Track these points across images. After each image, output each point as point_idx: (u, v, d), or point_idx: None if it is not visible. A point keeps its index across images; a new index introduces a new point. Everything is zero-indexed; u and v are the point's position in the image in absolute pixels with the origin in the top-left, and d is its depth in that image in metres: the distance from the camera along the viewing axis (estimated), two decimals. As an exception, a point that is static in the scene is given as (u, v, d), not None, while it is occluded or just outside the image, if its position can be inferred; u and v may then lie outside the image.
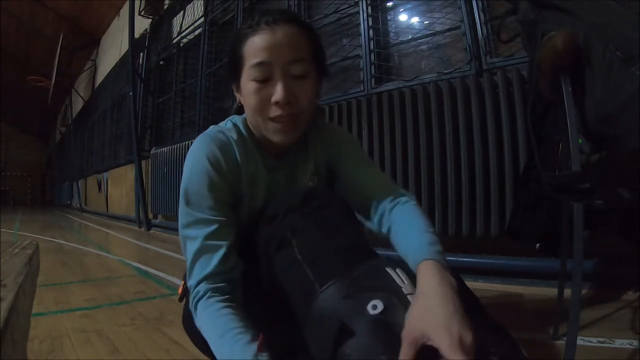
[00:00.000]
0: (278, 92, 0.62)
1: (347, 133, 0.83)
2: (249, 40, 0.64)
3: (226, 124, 0.72)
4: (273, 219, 0.62)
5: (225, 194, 0.65)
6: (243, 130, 0.71)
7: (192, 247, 0.61)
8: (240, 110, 0.75)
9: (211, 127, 0.71)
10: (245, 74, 0.65)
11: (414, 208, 0.66)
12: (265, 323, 0.56)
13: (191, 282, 0.61)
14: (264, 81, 0.63)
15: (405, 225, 0.63)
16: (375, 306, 0.46)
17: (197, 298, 0.59)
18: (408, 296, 0.48)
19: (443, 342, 0.42)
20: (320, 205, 0.61)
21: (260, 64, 0.62)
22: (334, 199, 0.64)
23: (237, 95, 0.71)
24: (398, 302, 0.47)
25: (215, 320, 0.56)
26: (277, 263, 0.59)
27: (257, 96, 0.63)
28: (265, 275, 0.62)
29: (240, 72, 0.66)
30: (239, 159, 0.67)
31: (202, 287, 0.59)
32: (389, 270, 0.52)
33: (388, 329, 0.44)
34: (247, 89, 0.64)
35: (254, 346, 0.50)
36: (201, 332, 0.58)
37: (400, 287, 0.48)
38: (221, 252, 0.60)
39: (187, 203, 0.63)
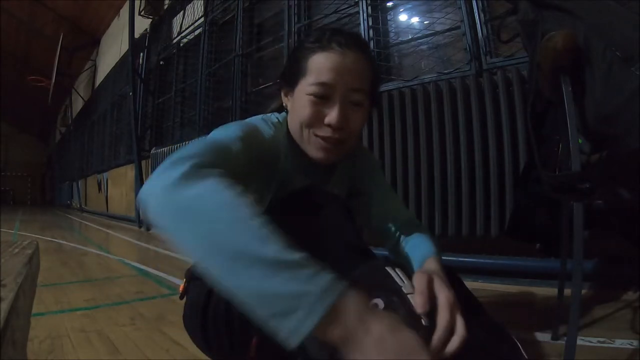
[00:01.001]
0: (333, 115, 0.62)
1: (369, 151, 0.86)
2: (316, 56, 0.64)
3: (271, 117, 0.71)
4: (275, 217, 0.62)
5: (252, 158, 0.59)
6: (284, 129, 0.71)
7: (198, 141, 0.51)
8: (278, 110, 0.77)
9: (260, 115, 0.71)
10: (303, 87, 0.64)
11: (426, 234, 0.73)
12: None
13: (175, 157, 0.44)
14: (322, 99, 0.63)
15: (415, 241, 0.71)
16: (376, 305, 0.47)
17: (188, 167, 0.42)
18: (408, 296, 0.48)
19: (443, 293, 0.49)
20: (320, 205, 0.60)
21: (323, 84, 0.62)
22: (333, 200, 0.64)
23: (284, 99, 0.72)
24: (398, 301, 0.47)
25: (233, 199, 0.40)
26: None
27: (311, 111, 0.64)
28: None
29: (297, 83, 0.66)
30: (279, 153, 0.68)
31: (196, 161, 0.44)
32: (389, 269, 0.52)
33: None
34: (302, 101, 0.65)
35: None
36: (190, 198, 0.40)
37: (400, 287, 0.49)
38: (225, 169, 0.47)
39: (217, 131, 0.58)
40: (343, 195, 0.80)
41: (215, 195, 0.41)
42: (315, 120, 0.64)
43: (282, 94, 0.72)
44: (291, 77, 0.68)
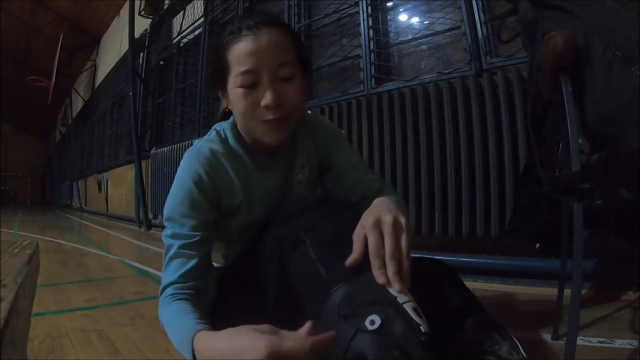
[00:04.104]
0: (268, 96, 0.63)
1: (330, 124, 0.85)
2: (233, 47, 0.64)
3: (210, 135, 0.73)
4: (287, 219, 0.64)
5: (208, 214, 0.67)
6: (229, 137, 0.72)
7: (168, 254, 0.65)
8: (225, 115, 0.77)
9: (196, 142, 0.73)
10: (232, 82, 0.65)
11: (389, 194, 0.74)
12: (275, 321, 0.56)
13: (161, 285, 0.65)
14: (252, 87, 0.64)
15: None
16: (372, 321, 0.48)
17: (162, 299, 0.63)
18: (404, 305, 0.48)
19: (386, 218, 0.53)
20: (333, 209, 0.63)
21: (247, 72, 0.63)
22: (345, 204, 0.66)
23: (223, 100, 0.72)
24: (394, 313, 0.48)
25: (175, 306, 0.60)
26: (292, 262, 0.60)
27: (246, 101, 0.64)
28: (277, 273, 0.63)
29: (226, 80, 0.67)
30: (228, 169, 0.69)
31: (169, 290, 0.63)
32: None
33: (385, 343, 0.46)
34: (235, 95, 0.65)
35: (197, 320, 0.55)
36: (164, 328, 0.61)
37: (395, 297, 0.49)
38: (193, 262, 0.64)
39: (169, 219, 0.67)
40: (315, 175, 0.81)
41: (166, 320, 0.61)
42: (254, 107, 0.65)
43: (220, 96, 0.72)
44: (219, 76, 0.68)
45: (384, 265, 0.50)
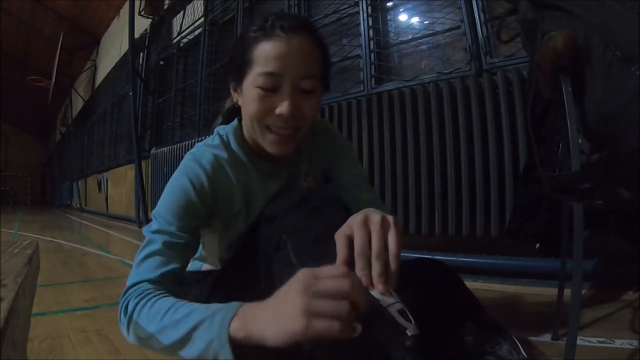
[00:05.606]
0: (284, 105, 0.60)
1: (341, 136, 0.83)
2: (261, 45, 0.61)
3: (213, 140, 0.70)
4: (272, 219, 0.61)
5: (199, 219, 0.64)
6: (232, 142, 0.69)
7: (147, 249, 0.60)
8: (230, 115, 0.75)
9: (197, 145, 0.70)
10: (251, 79, 0.62)
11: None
12: None
13: (131, 281, 0.57)
14: (271, 90, 0.61)
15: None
16: (354, 329, 0.46)
17: (136, 294, 0.55)
18: (388, 308, 0.46)
19: (374, 217, 0.48)
20: (318, 207, 0.59)
21: (270, 74, 0.60)
22: (332, 200, 0.62)
23: (234, 95, 0.69)
24: (377, 317, 0.45)
25: (168, 300, 0.53)
26: (274, 265, 0.58)
27: (260, 104, 0.61)
28: (266, 276, 0.62)
29: (244, 75, 0.64)
30: (230, 175, 0.66)
31: (146, 285, 0.56)
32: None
33: (367, 350, 0.44)
34: (251, 95, 0.62)
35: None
36: (133, 327, 0.54)
37: (378, 301, 0.46)
38: (175, 264, 0.59)
39: (158, 215, 0.63)
40: (319, 181, 0.79)
41: (144, 321, 0.53)
42: (266, 112, 0.62)
43: (232, 90, 0.69)
44: (238, 70, 0.65)
45: (367, 266, 0.46)
